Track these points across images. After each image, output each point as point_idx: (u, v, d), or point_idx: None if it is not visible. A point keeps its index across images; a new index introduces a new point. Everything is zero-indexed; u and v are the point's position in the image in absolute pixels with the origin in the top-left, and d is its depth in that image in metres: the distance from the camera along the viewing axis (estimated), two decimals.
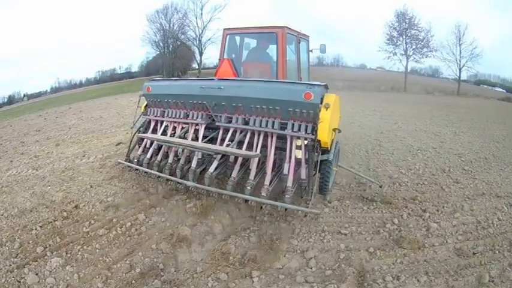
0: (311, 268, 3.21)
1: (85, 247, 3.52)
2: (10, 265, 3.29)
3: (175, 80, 5.90)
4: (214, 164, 4.24)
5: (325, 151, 4.06)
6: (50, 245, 3.56)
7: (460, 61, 27.89)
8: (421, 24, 28.60)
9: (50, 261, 3.29)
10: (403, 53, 29.55)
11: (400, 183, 5.17)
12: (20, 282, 3.07)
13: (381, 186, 4.68)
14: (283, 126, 4.11)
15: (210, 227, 3.84)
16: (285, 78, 5.40)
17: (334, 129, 4.21)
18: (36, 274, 3.14)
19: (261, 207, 4.04)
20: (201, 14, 34.72)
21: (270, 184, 3.94)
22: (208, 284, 2.99)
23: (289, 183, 3.87)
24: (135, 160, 4.97)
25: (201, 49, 35.40)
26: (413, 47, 29.14)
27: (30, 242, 3.63)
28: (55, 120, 13.71)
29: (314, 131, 3.86)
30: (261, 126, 4.24)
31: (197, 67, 36.56)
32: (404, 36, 29.25)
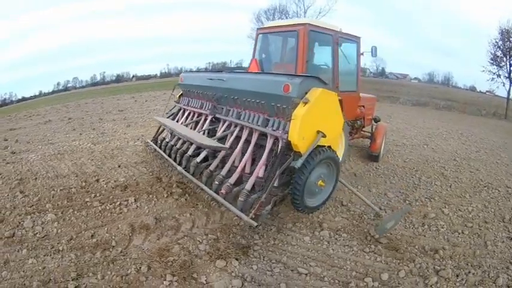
0: None
1: (76, 212, 4.06)
2: (23, 210, 4.12)
3: (203, 71, 6.31)
4: (202, 154, 4.36)
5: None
6: (56, 205, 4.26)
7: None
8: None
9: (47, 216, 3.95)
10: (506, 75, 24.69)
11: (431, 226, 4.12)
12: (20, 222, 3.83)
13: (379, 216, 4.02)
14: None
15: (179, 223, 3.84)
16: None
17: (318, 132, 3.60)
18: (33, 221, 3.84)
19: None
20: (305, 16, 34.88)
21: (234, 183, 3.78)
22: (129, 271, 3.02)
23: (248, 185, 3.62)
24: (159, 141, 5.52)
25: None
26: None
27: (46, 199, 4.43)
28: (143, 103, 15.63)
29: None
30: (248, 121, 4.17)
31: None
32: (508, 57, 24.24)
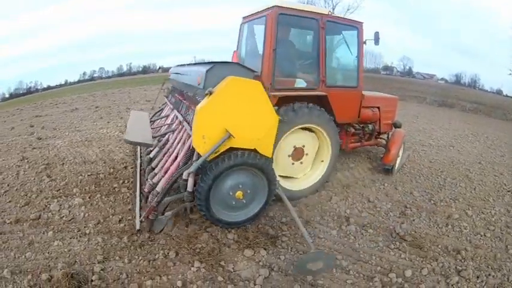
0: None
1: (103, 197, 4.16)
2: (50, 194, 4.24)
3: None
4: (155, 150, 4.15)
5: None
6: (84, 189, 4.36)
7: None
8: None
9: (74, 200, 4.06)
10: None
11: (454, 227, 4.08)
12: (46, 205, 3.95)
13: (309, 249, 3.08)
14: None
15: None
16: (269, 74, 3.93)
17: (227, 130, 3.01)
18: (60, 205, 3.95)
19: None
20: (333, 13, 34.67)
21: (157, 183, 3.37)
22: (157, 256, 3.07)
23: (159, 187, 3.25)
24: None
25: None
26: None
27: (73, 183, 4.55)
28: None
29: None
30: (184, 116, 3.89)
31: None
32: None
